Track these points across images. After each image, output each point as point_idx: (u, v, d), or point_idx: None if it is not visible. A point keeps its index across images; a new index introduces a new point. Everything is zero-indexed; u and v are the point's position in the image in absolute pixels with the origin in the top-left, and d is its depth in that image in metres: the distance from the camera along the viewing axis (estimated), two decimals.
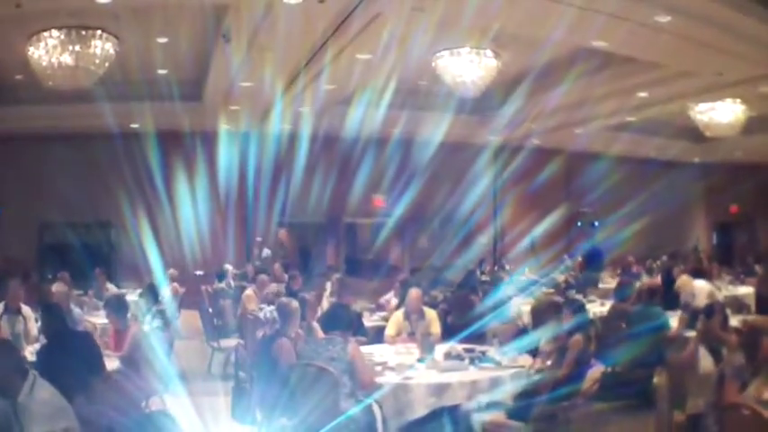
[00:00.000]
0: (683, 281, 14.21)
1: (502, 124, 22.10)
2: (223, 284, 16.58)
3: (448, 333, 9.88)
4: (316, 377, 6.68)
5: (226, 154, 21.31)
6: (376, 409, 6.85)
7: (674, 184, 28.43)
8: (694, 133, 22.53)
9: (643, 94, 18.35)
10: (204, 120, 19.86)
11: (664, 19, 12.02)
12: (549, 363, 7.59)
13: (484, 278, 18.76)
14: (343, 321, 7.36)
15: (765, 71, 15.23)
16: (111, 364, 7.59)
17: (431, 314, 10.09)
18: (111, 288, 15.14)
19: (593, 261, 21.03)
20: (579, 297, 13.66)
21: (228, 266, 18.26)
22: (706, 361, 7.00)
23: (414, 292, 10.18)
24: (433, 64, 14.92)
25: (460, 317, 11.47)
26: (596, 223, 27.01)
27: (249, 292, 13.61)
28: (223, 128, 20.73)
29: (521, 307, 13.40)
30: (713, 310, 7.41)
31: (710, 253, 28.13)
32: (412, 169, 23.12)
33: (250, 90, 16.83)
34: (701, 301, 11.51)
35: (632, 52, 15.04)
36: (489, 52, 14.61)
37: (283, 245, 23.48)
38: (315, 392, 6.58)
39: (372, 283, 18.25)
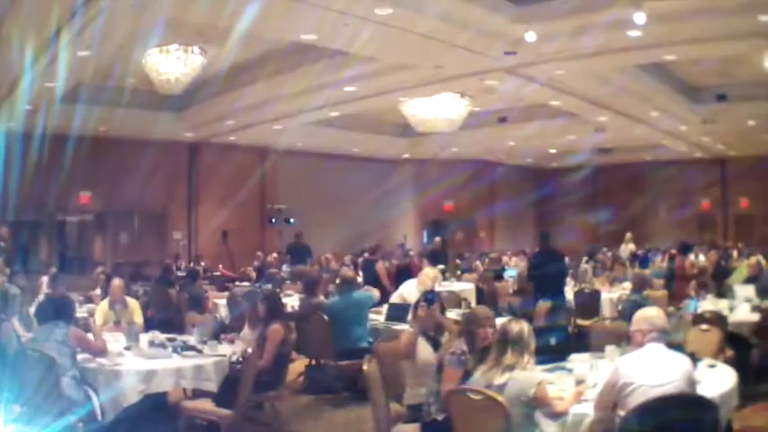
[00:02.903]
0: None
1: (201, 120, 23.60)
2: None
3: (149, 326, 10.80)
4: (37, 361, 7.49)
5: None
6: (93, 396, 7.69)
7: (383, 181, 31.16)
8: (405, 129, 24.33)
9: (350, 89, 19.43)
10: None
11: (384, 12, 12.83)
12: (249, 351, 8.62)
13: (180, 273, 19.94)
14: (61, 310, 8.18)
15: (492, 64, 16.75)
16: None
17: (133, 303, 11.25)
18: None
19: (297, 256, 22.42)
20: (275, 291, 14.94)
21: None
22: (424, 350, 7.74)
23: (116, 282, 11.35)
24: (143, 61, 15.93)
25: (159, 310, 12.59)
26: (292, 219, 28.56)
27: None
28: None
29: (216, 301, 14.69)
30: (433, 298, 8.16)
31: (420, 249, 30.46)
32: (116, 166, 24.31)
33: None
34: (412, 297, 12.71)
35: (346, 46, 15.89)
36: (197, 49, 15.76)
37: (5, 241, 23.82)
38: (36, 377, 7.39)
39: (81, 279, 19.01)
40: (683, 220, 33.81)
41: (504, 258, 25.06)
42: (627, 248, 25.90)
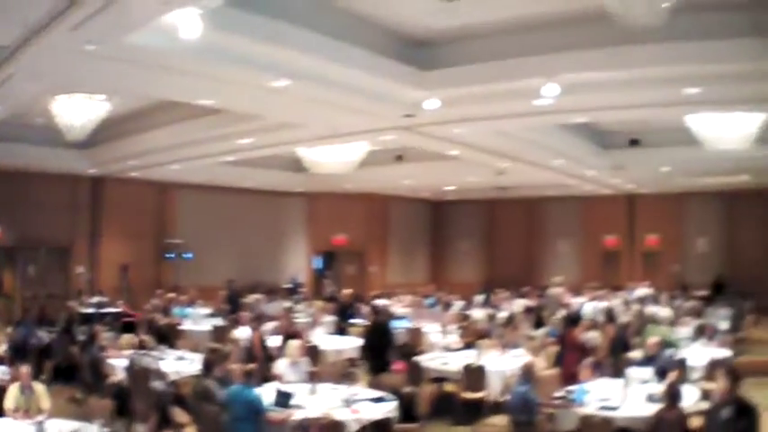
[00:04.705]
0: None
1: (103, 159, 23.98)
2: None
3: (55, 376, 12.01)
4: None
5: None
6: None
7: (277, 213, 31.81)
8: (300, 164, 24.04)
9: (245, 141, 20.13)
10: None
11: (282, 84, 13.13)
12: None
13: (83, 310, 20.98)
14: None
15: (390, 124, 16.92)
16: None
17: (39, 389, 11.22)
18: None
19: (235, 305, 22.30)
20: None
21: None
22: None
23: (23, 371, 11.25)
24: (50, 106, 16.36)
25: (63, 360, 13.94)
26: (189, 254, 28.48)
27: None
28: None
29: (114, 362, 14.07)
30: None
31: (312, 287, 31.19)
32: (24, 200, 24.59)
33: None
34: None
35: (243, 109, 16.74)
36: (102, 97, 16.33)
37: None
38: None
39: None
40: (587, 256, 33.16)
41: (394, 300, 24.10)
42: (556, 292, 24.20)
